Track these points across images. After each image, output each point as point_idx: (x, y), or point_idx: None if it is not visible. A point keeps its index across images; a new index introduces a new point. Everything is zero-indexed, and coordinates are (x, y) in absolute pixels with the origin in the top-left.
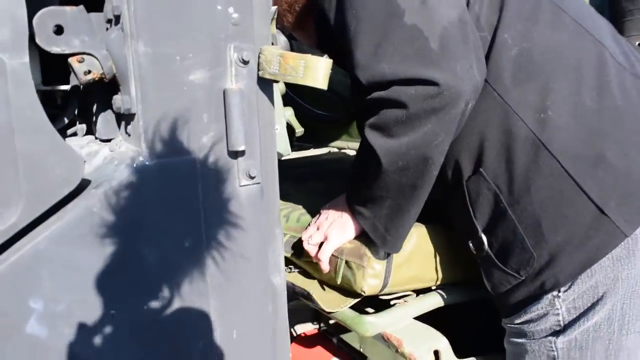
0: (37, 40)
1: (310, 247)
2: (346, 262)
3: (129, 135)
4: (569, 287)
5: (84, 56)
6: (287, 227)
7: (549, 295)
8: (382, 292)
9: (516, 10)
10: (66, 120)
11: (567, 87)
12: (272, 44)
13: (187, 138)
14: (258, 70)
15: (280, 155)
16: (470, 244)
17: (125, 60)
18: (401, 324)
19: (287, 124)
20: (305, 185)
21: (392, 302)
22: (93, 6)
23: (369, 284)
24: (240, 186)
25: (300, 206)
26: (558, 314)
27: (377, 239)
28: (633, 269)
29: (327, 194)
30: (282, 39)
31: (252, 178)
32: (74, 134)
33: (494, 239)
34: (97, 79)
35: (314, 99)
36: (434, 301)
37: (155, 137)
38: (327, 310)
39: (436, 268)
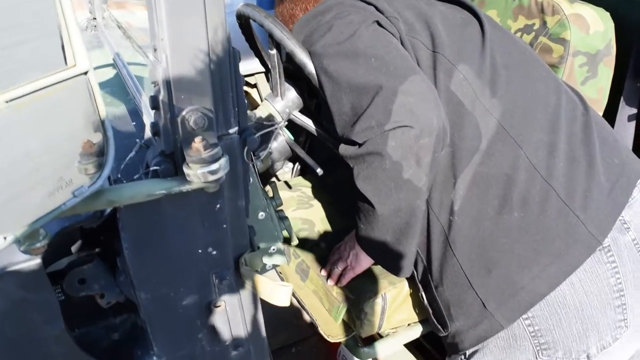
0: (67, 291)
1: (335, 271)
2: (347, 308)
3: None
4: (472, 355)
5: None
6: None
7: (461, 354)
8: (375, 333)
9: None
10: None
11: (476, 194)
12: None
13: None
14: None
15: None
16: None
17: (133, 298)
18: (392, 350)
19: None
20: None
21: (385, 332)
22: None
23: (365, 331)
24: None
25: (316, 236)
26: None
27: (387, 268)
28: (514, 357)
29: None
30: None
31: None
32: None
33: (428, 300)
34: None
35: None
36: (420, 330)
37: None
38: (329, 340)
39: (423, 306)
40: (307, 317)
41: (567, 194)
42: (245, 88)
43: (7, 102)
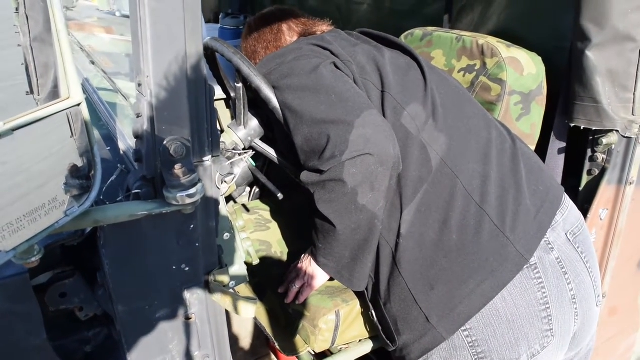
0: (48, 303)
1: (293, 289)
2: (303, 324)
3: None
4: None
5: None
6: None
7: None
8: (329, 349)
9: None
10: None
11: (418, 219)
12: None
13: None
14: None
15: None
16: None
17: (110, 311)
18: None
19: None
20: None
21: (338, 347)
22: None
23: (319, 346)
24: None
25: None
26: None
27: (344, 282)
28: None
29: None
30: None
31: None
32: None
33: (377, 317)
34: (92, 315)
35: None
36: (371, 346)
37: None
38: (285, 354)
39: (373, 324)
40: (261, 338)
41: (499, 218)
42: None
43: (12, 130)
